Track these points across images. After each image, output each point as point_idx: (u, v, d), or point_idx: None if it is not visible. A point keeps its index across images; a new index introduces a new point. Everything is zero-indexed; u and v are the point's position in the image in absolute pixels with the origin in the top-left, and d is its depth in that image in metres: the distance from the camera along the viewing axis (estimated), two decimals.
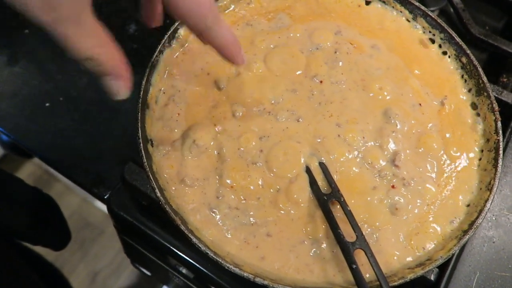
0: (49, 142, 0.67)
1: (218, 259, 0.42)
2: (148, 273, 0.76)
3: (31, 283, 0.77)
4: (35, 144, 0.67)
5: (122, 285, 1.49)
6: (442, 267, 0.51)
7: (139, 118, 0.49)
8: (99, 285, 1.49)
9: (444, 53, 0.57)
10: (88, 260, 1.52)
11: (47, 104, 0.69)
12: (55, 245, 0.84)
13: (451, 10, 0.72)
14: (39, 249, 0.88)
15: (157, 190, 0.45)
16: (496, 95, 0.59)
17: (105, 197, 0.62)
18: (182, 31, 0.56)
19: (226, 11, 0.59)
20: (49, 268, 0.94)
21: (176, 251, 0.57)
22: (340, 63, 0.56)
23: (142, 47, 0.75)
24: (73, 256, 1.51)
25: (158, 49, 0.53)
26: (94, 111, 0.69)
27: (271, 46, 0.57)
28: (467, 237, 0.44)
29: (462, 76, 0.56)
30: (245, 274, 0.42)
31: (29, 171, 1.59)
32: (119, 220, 0.61)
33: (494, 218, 0.56)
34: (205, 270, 0.56)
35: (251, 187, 0.48)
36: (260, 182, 0.49)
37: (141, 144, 0.47)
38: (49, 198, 0.82)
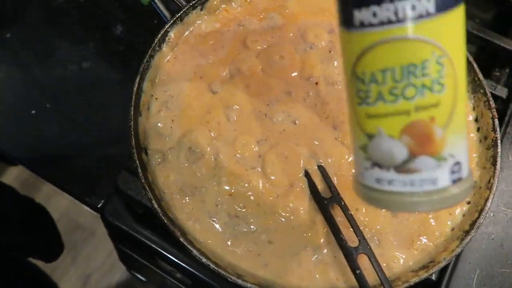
0: (36, 151, 0.65)
1: (220, 270, 0.41)
2: (144, 279, 0.75)
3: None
4: (22, 153, 0.65)
5: (115, 286, 1.47)
6: (443, 267, 0.51)
7: (132, 126, 0.47)
8: (92, 287, 1.47)
9: None
10: (79, 262, 1.49)
11: (33, 112, 0.67)
12: (47, 258, 0.82)
13: None
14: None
15: (154, 202, 0.44)
16: (491, 91, 0.59)
17: (98, 206, 0.60)
18: (172, 34, 0.54)
19: (216, 11, 0.57)
20: (39, 273, 0.92)
21: (174, 258, 0.56)
22: (335, 63, 0.55)
23: (129, 49, 0.73)
24: (64, 259, 1.48)
25: (149, 53, 0.51)
26: (83, 118, 0.67)
27: (264, 46, 0.55)
28: (469, 237, 0.44)
29: None
30: (248, 285, 0.41)
31: (15, 174, 1.56)
32: (113, 229, 0.59)
33: (491, 215, 0.56)
34: (204, 277, 0.55)
35: (250, 194, 0.47)
36: (259, 188, 0.48)
37: (135, 154, 0.46)
38: (42, 209, 0.80)
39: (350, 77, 0.28)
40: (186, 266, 0.55)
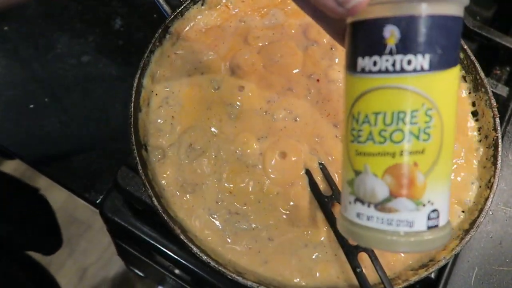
0: (35, 145, 0.64)
1: (220, 268, 0.41)
2: (142, 274, 0.75)
3: (18, 282, 0.76)
4: (20, 148, 0.64)
5: (112, 280, 1.47)
6: (443, 265, 0.51)
7: (132, 122, 0.47)
8: (88, 281, 1.47)
9: None
10: (76, 256, 1.49)
11: (31, 106, 0.67)
12: (47, 251, 0.82)
13: None
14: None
15: (154, 198, 0.43)
16: (491, 89, 0.59)
17: (97, 202, 0.60)
18: (173, 29, 0.53)
19: (218, 7, 0.57)
20: (36, 267, 0.92)
21: (173, 255, 0.56)
22: (337, 60, 0.54)
23: (129, 43, 0.73)
24: (60, 253, 1.48)
25: (149, 49, 0.51)
26: (82, 113, 0.66)
27: (266, 43, 0.55)
28: (469, 236, 0.44)
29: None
30: (248, 283, 0.41)
31: (12, 167, 1.55)
32: (112, 225, 0.59)
33: (491, 213, 0.56)
34: (203, 274, 0.55)
35: (251, 191, 0.47)
36: (259, 185, 0.48)
37: (135, 151, 0.45)
38: (45, 201, 0.80)
39: (347, 115, 0.30)
40: (185, 263, 0.55)
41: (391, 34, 0.27)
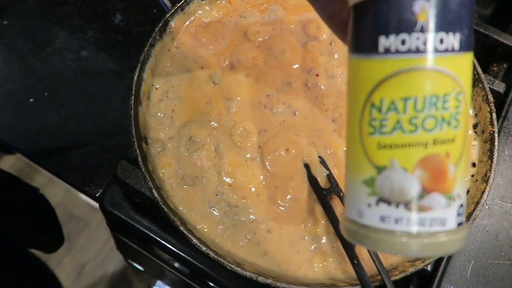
0: (35, 139, 0.65)
1: (219, 259, 0.42)
2: (142, 269, 0.75)
3: (18, 277, 0.76)
4: (20, 141, 0.65)
5: (110, 276, 1.47)
6: (438, 258, 0.52)
7: (132, 115, 0.47)
8: (86, 277, 1.47)
9: None
10: (74, 252, 1.49)
11: (31, 100, 0.67)
12: (48, 249, 0.83)
13: None
14: None
15: (154, 191, 0.44)
16: (488, 85, 0.59)
17: (97, 195, 0.60)
18: (173, 23, 0.54)
19: (218, 1, 0.57)
20: (36, 262, 0.92)
21: (172, 248, 0.56)
22: (336, 55, 0.55)
23: (127, 38, 0.73)
24: (59, 249, 1.49)
25: (149, 43, 0.51)
26: (81, 107, 0.67)
27: (265, 38, 0.55)
28: None
29: None
30: (247, 274, 0.41)
31: (10, 163, 1.55)
32: (111, 218, 0.59)
33: (487, 207, 0.57)
34: (202, 266, 0.56)
35: (249, 184, 0.48)
36: (258, 178, 0.48)
37: (136, 143, 0.46)
38: (45, 200, 0.80)
39: (362, 104, 0.27)
40: (184, 255, 0.55)
41: (422, 10, 0.25)
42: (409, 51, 0.25)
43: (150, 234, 0.57)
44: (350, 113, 0.28)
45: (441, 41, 0.25)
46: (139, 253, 0.65)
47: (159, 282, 0.76)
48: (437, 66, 0.25)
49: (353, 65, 0.28)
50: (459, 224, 0.27)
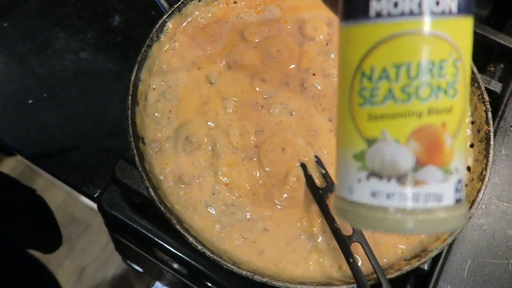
0: (34, 140, 0.65)
1: (215, 257, 0.42)
2: (141, 269, 0.75)
3: (18, 279, 0.76)
4: (19, 142, 0.65)
5: (110, 279, 1.47)
6: (435, 257, 0.52)
7: (129, 115, 0.48)
8: (87, 280, 1.47)
9: None
10: (74, 255, 1.49)
11: (30, 101, 0.67)
12: (47, 249, 0.83)
13: None
14: None
15: (151, 190, 0.44)
16: (485, 85, 0.60)
17: (95, 196, 0.61)
18: (170, 24, 0.54)
19: (215, 2, 0.58)
20: (36, 264, 0.92)
21: (170, 248, 0.56)
22: (332, 55, 0.55)
23: (127, 39, 0.73)
24: (59, 252, 1.48)
25: (147, 43, 0.52)
26: (80, 108, 0.67)
27: (262, 38, 0.56)
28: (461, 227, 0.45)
29: None
30: (243, 272, 0.41)
31: (11, 166, 1.55)
32: (110, 218, 0.60)
33: (483, 207, 0.57)
34: (199, 267, 0.56)
35: (246, 183, 0.48)
36: (255, 178, 0.48)
37: (133, 143, 0.46)
38: (43, 201, 0.80)
39: (352, 74, 0.25)
40: (182, 255, 0.56)
41: None
42: (402, 14, 0.23)
43: (148, 234, 0.57)
44: (340, 85, 0.27)
45: (437, 3, 0.23)
46: (137, 253, 0.65)
47: (157, 284, 0.76)
48: (433, 30, 0.24)
49: (343, 34, 0.26)
50: (458, 201, 0.25)
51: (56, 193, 1.55)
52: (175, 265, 0.63)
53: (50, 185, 1.55)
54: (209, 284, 0.59)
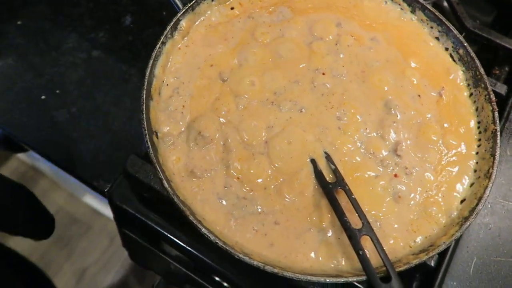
0: (45, 136, 0.66)
1: (227, 248, 0.43)
2: (147, 266, 0.75)
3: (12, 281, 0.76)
4: (31, 138, 0.66)
5: (111, 280, 1.47)
6: (442, 253, 0.53)
7: (143, 109, 0.49)
8: (87, 282, 1.47)
9: (445, 48, 0.58)
10: (75, 256, 1.49)
11: (42, 97, 0.68)
12: (39, 235, 0.83)
13: (445, 4, 0.73)
14: (23, 251, 0.86)
15: (165, 182, 0.45)
16: (490, 86, 0.61)
17: (106, 190, 0.61)
18: (184, 23, 0.55)
19: (227, 2, 0.59)
20: (32, 271, 0.92)
21: (179, 242, 0.57)
22: (341, 55, 0.56)
23: (138, 39, 0.75)
24: (60, 254, 1.49)
25: (161, 40, 0.53)
26: (91, 105, 0.68)
27: (273, 38, 0.57)
28: (468, 223, 0.46)
29: (460, 68, 0.57)
30: (255, 263, 0.42)
31: (14, 167, 1.56)
32: (120, 213, 0.60)
33: (489, 206, 0.58)
34: (207, 260, 0.57)
35: (257, 178, 0.49)
36: (265, 172, 0.49)
37: (147, 136, 0.47)
38: (26, 189, 0.81)
39: None
40: (191, 249, 0.56)
41: None
42: None
43: (158, 228, 0.58)
44: None
45: None
46: (145, 248, 0.66)
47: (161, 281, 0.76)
48: None
49: None
50: None
51: (58, 194, 1.55)
52: (184, 260, 0.63)
53: (53, 186, 1.55)
54: (216, 279, 0.60)
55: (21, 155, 1.53)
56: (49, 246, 1.47)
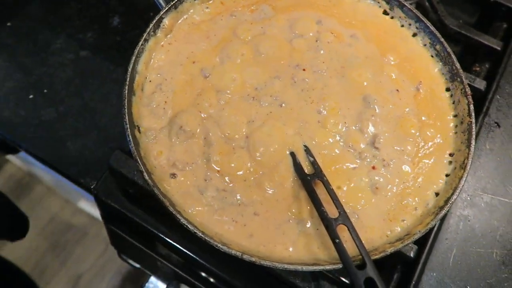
0: (33, 134, 0.67)
1: (206, 238, 0.43)
2: (136, 264, 0.76)
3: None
4: (19, 136, 0.67)
5: (106, 287, 1.47)
6: (421, 245, 0.54)
7: (125, 104, 0.50)
8: None
9: (423, 44, 0.60)
10: (70, 263, 1.49)
11: (30, 96, 0.69)
12: (13, 235, 0.83)
13: (426, 4, 0.75)
14: (18, 258, 0.85)
15: (145, 174, 0.46)
16: (470, 83, 0.62)
17: (92, 187, 0.62)
18: (166, 21, 0.57)
19: (210, 1, 0.60)
20: (23, 279, 0.91)
21: (164, 237, 0.58)
22: (321, 52, 0.58)
23: (125, 40, 0.76)
24: (55, 260, 1.48)
25: (143, 38, 0.54)
26: (79, 103, 0.69)
27: (255, 35, 0.58)
28: (443, 212, 0.46)
29: (437, 63, 0.58)
30: (232, 252, 0.43)
31: (10, 173, 1.56)
32: (106, 209, 0.61)
33: (469, 198, 0.58)
34: (191, 254, 0.57)
35: (237, 170, 0.50)
36: (245, 165, 0.50)
37: (128, 129, 0.48)
38: None
39: None
40: (175, 244, 0.57)
41: None
42: None
43: (143, 223, 0.58)
44: None
45: None
46: (132, 245, 0.66)
47: (152, 279, 0.77)
48: None
49: None
50: None
51: (53, 201, 1.55)
52: (170, 256, 0.64)
53: (48, 192, 1.56)
54: (202, 274, 0.60)
55: (17, 161, 1.53)
56: (44, 253, 1.47)
